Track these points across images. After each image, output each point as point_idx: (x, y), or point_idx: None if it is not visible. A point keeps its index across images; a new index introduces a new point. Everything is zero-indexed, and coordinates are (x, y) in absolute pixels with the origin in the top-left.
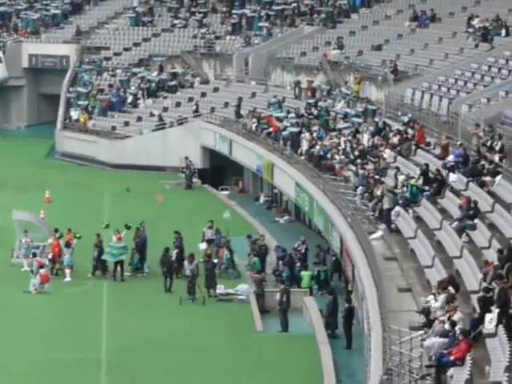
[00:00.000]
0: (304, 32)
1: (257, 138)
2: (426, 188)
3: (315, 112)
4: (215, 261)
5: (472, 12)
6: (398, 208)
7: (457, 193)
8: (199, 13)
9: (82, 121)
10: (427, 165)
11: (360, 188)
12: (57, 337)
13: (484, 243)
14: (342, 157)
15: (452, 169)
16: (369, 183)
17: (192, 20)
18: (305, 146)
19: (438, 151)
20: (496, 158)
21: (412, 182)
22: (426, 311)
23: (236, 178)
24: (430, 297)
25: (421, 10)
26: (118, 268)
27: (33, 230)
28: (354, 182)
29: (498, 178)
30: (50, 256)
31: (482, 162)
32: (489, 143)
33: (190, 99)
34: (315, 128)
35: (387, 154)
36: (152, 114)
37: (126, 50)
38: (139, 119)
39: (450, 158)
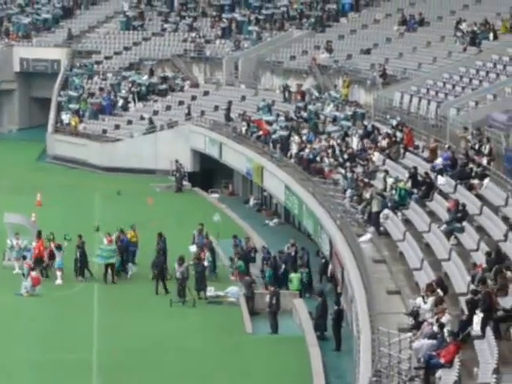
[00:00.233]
0: (293, 36)
1: (246, 141)
2: (415, 191)
3: (304, 115)
4: (205, 263)
5: (460, 16)
6: (386, 211)
7: (445, 196)
8: (189, 17)
9: (73, 124)
10: (416, 168)
11: (349, 191)
12: (49, 338)
13: (472, 246)
14: (331, 160)
15: (440, 172)
16: (358, 186)
17: (182, 24)
18: (294, 149)
19: (426, 154)
20: (484, 161)
21: (401, 185)
22: (414, 313)
23: (226, 181)
24: (419, 299)
25: (409, 14)
26: (109, 270)
27: (24, 232)
28: (343, 185)
29: (486, 180)
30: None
31: (470, 165)
32: (477, 146)
33: (181, 103)
34: (304, 131)
35: (376, 157)
36: (142, 118)
37: (116, 53)
38: (130, 122)
39: (439, 161)
